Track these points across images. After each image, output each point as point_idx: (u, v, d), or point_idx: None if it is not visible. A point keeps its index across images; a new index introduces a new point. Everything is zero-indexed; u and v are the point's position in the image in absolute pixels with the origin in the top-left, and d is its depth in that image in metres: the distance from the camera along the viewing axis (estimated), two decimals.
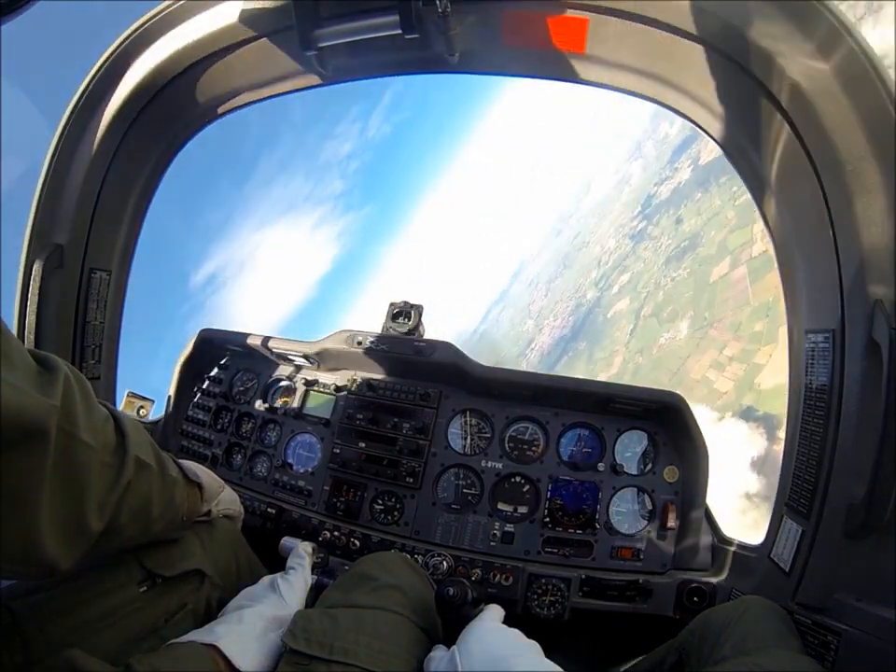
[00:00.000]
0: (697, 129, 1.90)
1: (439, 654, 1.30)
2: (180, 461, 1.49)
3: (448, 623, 1.54)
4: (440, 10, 1.61)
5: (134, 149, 2.35)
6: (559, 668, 1.16)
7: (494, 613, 1.48)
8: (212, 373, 2.99)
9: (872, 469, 1.39)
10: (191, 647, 1.18)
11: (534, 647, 1.27)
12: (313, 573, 1.89)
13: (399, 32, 1.68)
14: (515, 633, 1.31)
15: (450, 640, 1.37)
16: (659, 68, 1.80)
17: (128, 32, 2.04)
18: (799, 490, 1.69)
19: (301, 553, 1.88)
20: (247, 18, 1.85)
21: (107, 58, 2.09)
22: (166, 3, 1.93)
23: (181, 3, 1.92)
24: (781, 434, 2.06)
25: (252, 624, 1.33)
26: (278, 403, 2.79)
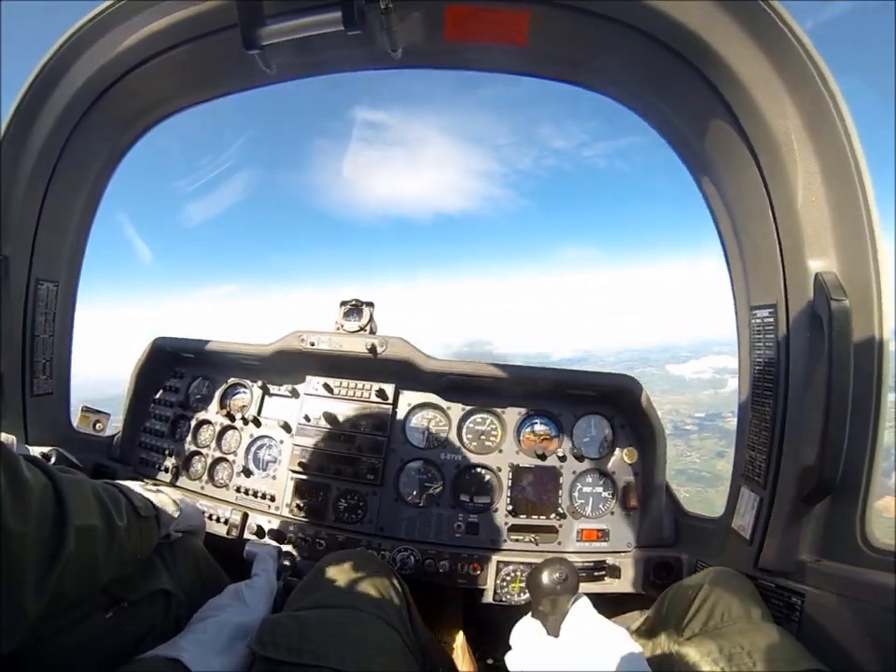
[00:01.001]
0: (639, 117, 1.97)
1: (545, 642, 1.26)
2: (133, 491, 1.42)
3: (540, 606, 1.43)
4: (382, 7, 1.62)
5: (78, 156, 2.30)
6: None
7: (588, 604, 1.36)
8: (168, 382, 2.91)
9: (821, 434, 1.46)
10: (155, 662, 1.17)
11: (637, 652, 1.20)
12: (280, 578, 1.87)
13: (342, 28, 1.67)
14: (624, 634, 1.24)
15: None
16: (600, 60, 1.85)
17: (66, 35, 1.98)
18: (753, 461, 1.76)
19: (266, 558, 1.87)
20: (189, 17, 1.82)
21: (46, 62, 2.03)
22: (105, 4, 1.88)
23: (120, 4, 1.87)
24: None
25: (216, 634, 1.31)
26: (236, 409, 2.74)
